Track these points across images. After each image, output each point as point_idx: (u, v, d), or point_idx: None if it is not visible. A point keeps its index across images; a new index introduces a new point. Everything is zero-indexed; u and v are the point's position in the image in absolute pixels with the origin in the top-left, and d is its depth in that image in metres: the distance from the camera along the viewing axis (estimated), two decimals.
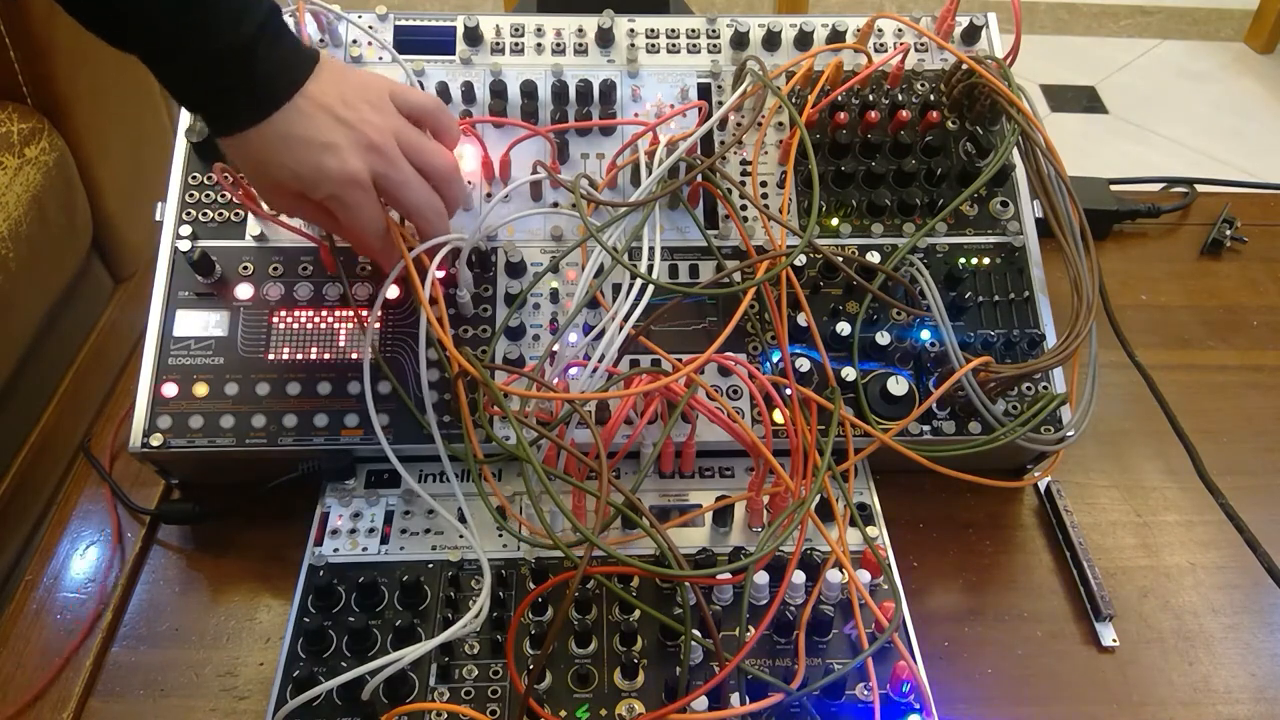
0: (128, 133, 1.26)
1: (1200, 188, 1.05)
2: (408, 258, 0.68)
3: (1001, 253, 0.79)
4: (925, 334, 0.76)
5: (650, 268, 0.73)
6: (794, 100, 0.81)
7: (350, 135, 0.64)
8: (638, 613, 0.66)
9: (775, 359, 0.74)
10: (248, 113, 0.62)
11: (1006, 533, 0.77)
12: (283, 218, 0.76)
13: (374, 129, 0.65)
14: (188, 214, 0.77)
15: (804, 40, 0.85)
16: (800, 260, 0.77)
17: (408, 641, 0.64)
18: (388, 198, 0.67)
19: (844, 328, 0.75)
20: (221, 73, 0.60)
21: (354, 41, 0.83)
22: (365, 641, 0.65)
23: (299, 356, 0.73)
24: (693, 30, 0.85)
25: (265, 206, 0.74)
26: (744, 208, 0.79)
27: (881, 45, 0.85)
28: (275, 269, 0.76)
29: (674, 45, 0.85)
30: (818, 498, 0.68)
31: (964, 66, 0.80)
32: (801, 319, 0.75)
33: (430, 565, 0.69)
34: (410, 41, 0.83)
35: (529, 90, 0.81)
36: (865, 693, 0.63)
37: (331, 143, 0.63)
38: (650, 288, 0.71)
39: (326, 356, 0.74)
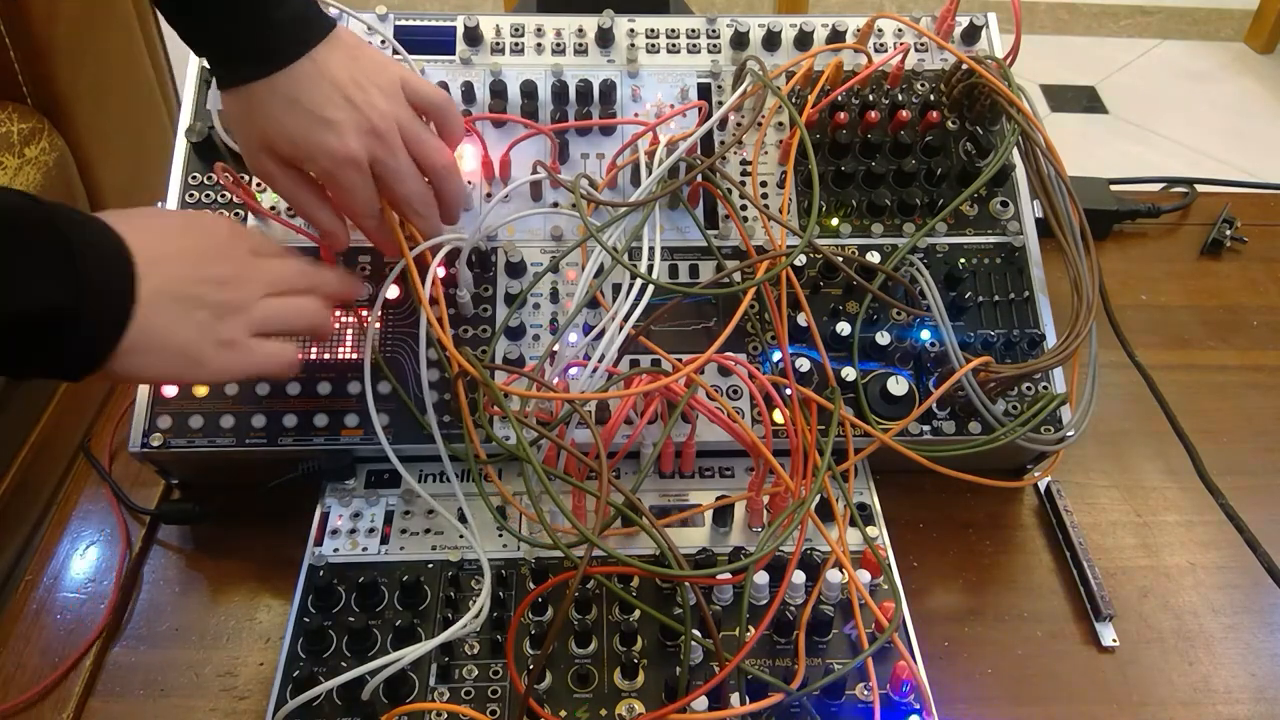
0: (128, 133, 1.27)
1: (1200, 188, 1.05)
2: (408, 257, 0.68)
3: (1001, 253, 0.79)
4: (925, 334, 0.76)
5: (650, 268, 0.73)
6: (794, 100, 0.81)
7: (354, 116, 0.64)
8: (638, 613, 0.66)
9: (775, 359, 0.74)
10: (257, 61, 0.62)
11: (1006, 533, 0.77)
12: (283, 216, 0.76)
13: (379, 114, 0.65)
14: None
15: (804, 40, 0.85)
16: (800, 260, 0.77)
17: (408, 641, 0.64)
18: (381, 185, 0.67)
19: (844, 328, 0.75)
20: (236, 8, 0.61)
21: None
22: (365, 641, 0.65)
23: (299, 356, 0.73)
24: (693, 30, 0.85)
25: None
26: (744, 208, 0.79)
27: (881, 45, 0.85)
28: None
29: (674, 45, 0.85)
30: (818, 498, 0.68)
31: (964, 66, 0.80)
32: (801, 319, 0.75)
33: (430, 565, 0.69)
34: (410, 41, 0.83)
35: (529, 90, 0.81)
36: (865, 693, 0.63)
37: (334, 119, 0.63)
38: (650, 288, 0.71)
39: (326, 356, 0.74)
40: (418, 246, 0.69)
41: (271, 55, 0.62)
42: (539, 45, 0.84)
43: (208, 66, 0.69)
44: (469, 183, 0.79)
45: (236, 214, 0.77)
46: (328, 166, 0.64)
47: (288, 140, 0.64)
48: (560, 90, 0.81)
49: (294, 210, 0.70)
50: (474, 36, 0.83)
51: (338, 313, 0.74)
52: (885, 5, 2.64)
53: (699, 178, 0.76)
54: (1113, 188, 1.00)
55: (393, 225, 0.68)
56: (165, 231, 0.60)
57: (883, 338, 0.75)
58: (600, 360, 0.70)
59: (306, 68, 0.63)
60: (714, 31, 0.85)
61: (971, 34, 0.85)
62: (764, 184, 0.80)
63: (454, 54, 0.83)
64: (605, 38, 0.84)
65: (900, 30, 0.86)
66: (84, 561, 0.74)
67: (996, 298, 0.78)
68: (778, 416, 0.72)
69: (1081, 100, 2.44)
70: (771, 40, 0.84)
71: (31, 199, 0.54)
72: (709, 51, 0.85)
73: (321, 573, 0.68)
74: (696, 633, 0.63)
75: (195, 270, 0.59)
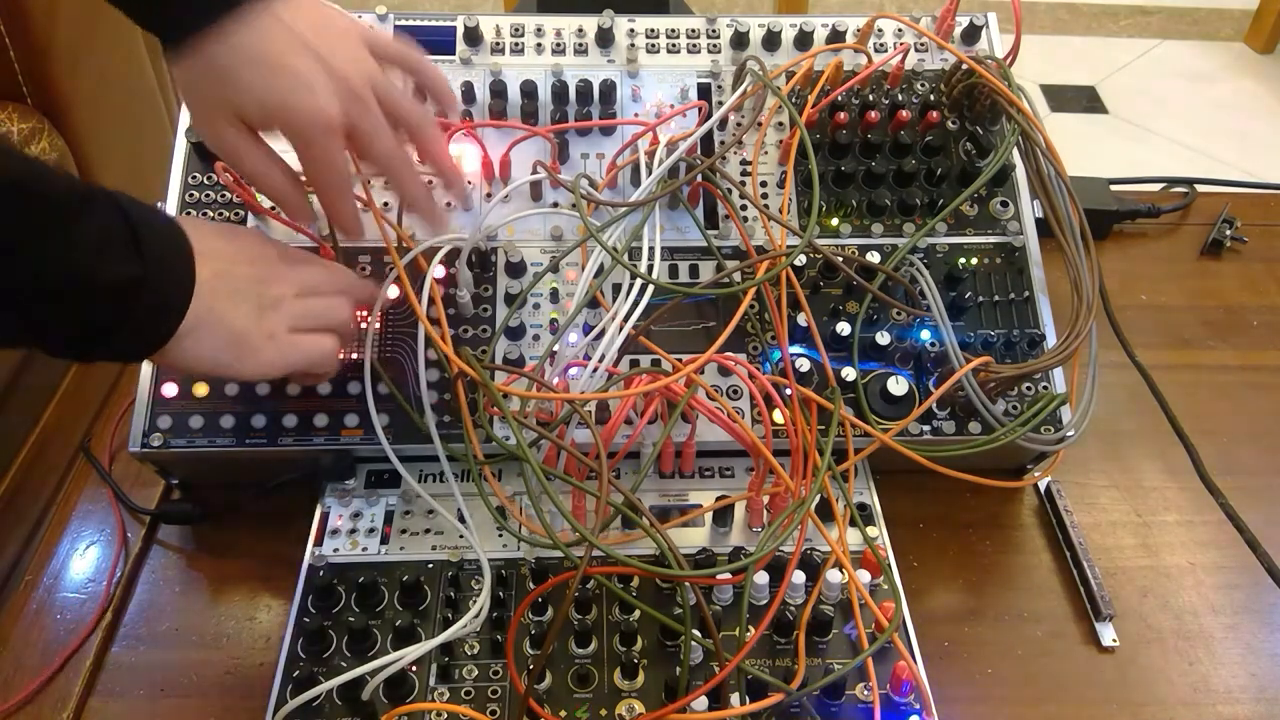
0: (128, 133, 1.27)
1: (1200, 188, 1.05)
2: (399, 265, 0.68)
3: (1001, 253, 0.79)
4: (925, 334, 0.76)
5: (650, 268, 0.73)
6: (794, 100, 0.81)
7: (327, 75, 0.60)
8: (638, 613, 0.66)
9: (775, 359, 0.74)
10: (210, 3, 0.58)
11: (1006, 533, 0.77)
12: (283, 215, 0.76)
13: (353, 69, 0.61)
14: (187, 214, 0.77)
15: (804, 40, 0.85)
16: (800, 260, 0.77)
17: (408, 641, 0.64)
18: (356, 146, 0.64)
19: (844, 328, 0.75)
20: None
21: None
22: (365, 641, 0.65)
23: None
24: (693, 30, 0.85)
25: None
26: (744, 208, 0.79)
27: (881, 45, 0.85)
28: None
29: (674, 45, 0.85)
30: (818, 498, 0.68)
31: (964, 66, 0.80)
32: (801, 319, 0.75)
33: (430, 565, 0.69)
34: None
35: (529, 90, 0.81)
36: (865, 693, 0.63)
37: (306, 79, 0.59)
38: (650, 288, 0.71)
39: None
40: (416, 248, 0.69)
41: None
42: (539, 45, 0.84)
43: (155, 33, 0.63)
44: (469, 183, 0.79)
45: (236, 214, 0.77)
46: (301, 129, 0.60)
47: (255, 103, 0.59)
48: (560, 90, 0.81)
49: (260, 189, 0.67)
50: (474, 36, 0.83)
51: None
52: (885, 5, 2.64)
53: (699, 178, 0.76)
54: (1113, 188, 1.00)
55: (377, 215, 0.68)
56: (209, 231, 0.62)
57: (883, 338, 0.75)
58: (600, 360, 0.70)
59: (267, 21, 0.58)
60: (714, 31, 0.85)
61: (971, 34, 0.85)
62: (764, 184, 0.80)
63: (454, 54, 0.83)
64: (605, 38, 0.84)
65: (900, 30, 0.86)
66: (84, 561, 0.74)
67: (996, 298, 0.78)
68: (778, 416, 0.72)
69: (1081, 100, 2.44)
70: (771, 40, 0.84)
71: (81, 182, 0.54)
72: (709, 51, 0.85)
73: (321, 573, 0.68)
74: (696, 633, 0.63)
75: (237, 268, 0.61)
